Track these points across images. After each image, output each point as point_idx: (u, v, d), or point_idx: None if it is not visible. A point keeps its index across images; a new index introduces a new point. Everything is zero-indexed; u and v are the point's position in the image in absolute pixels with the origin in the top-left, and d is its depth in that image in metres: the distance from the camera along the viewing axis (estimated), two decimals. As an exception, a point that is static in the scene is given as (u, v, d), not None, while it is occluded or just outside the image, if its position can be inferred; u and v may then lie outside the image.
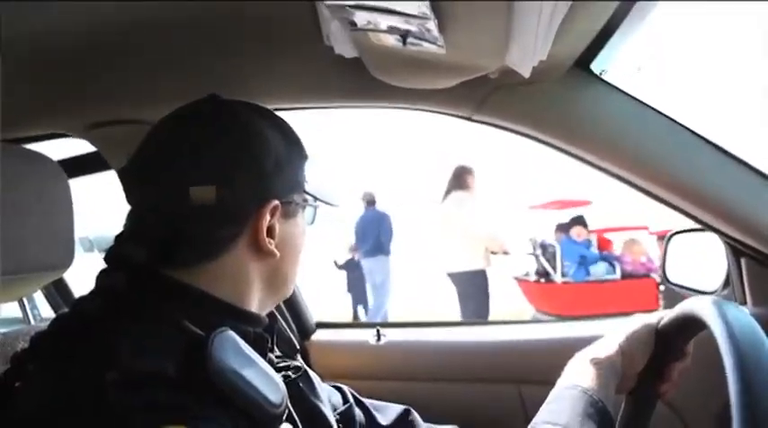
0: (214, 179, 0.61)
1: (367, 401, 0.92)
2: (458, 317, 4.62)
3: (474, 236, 4.33)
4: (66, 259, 0.85)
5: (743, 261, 1.16)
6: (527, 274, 6.68)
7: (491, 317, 4.38)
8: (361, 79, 0.97)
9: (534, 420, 0.73)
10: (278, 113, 0.73)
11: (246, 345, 0.58)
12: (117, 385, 0.50)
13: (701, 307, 0.68)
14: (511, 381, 1.34)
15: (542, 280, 6.45)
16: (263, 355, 0.64)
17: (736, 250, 1.16)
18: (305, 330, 1.53)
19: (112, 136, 1.21)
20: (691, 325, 0.74)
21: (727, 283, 1.25)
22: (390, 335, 1.45)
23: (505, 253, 4.62)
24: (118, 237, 0.64)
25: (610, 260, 6.43)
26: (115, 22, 0.88)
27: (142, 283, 0.62)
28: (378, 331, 1.45)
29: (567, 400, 0.73)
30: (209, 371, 0.52)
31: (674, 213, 1.09)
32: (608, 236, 7.10)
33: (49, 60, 1.01)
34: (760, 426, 0.52)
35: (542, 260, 6.56)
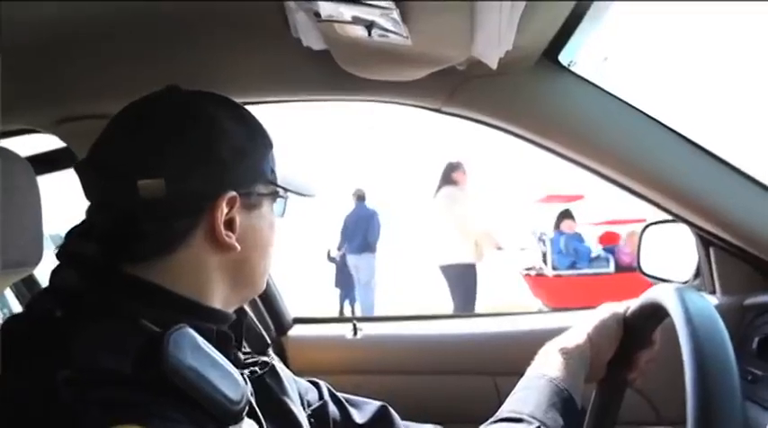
0: (163, 171, 0.59)
1: (344, 397, 0.90)
2: (449, 309, 4.67)
3: (465, 231, 4.41)
4: (35, 256, 0.84)
5: (711, 250, 1.18)
6: (530, 268, 6.71)
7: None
8: (329, 71, 0.96)
9: (501, 409, 0.74)
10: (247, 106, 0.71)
11: (205, 343, 0.57)
12: (69, 383, 0.49)
13: (663, 293, 0.69)
14: (487, 373, 1.35)
15: (533, 273, 6.50)
16: (227, 353, 0.62)
17: (705, 240, 1.17)
18: (282, 325, 1.52)
19: (82, 131, 1.19)
20: (655, 313, 0.75)
21: (698, 273, 1.27)
22: (367, 330, 1.45)
23: (499, 248, 4.68)
24: (69, 234, 0.63)
25: (605, 253, 6.49)
26: (84, 15, 0.87)
27: (96, 279, 0.61)
28: (354, 325, 1.45)
29: (532, 389, 0.74)
30: (164, 369, 0.51)
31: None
32: (611, 228, 7.15)
33: (16, 54, 0.99)
34: (713, 410, 0.53)
35: (539, 253, 6.62)
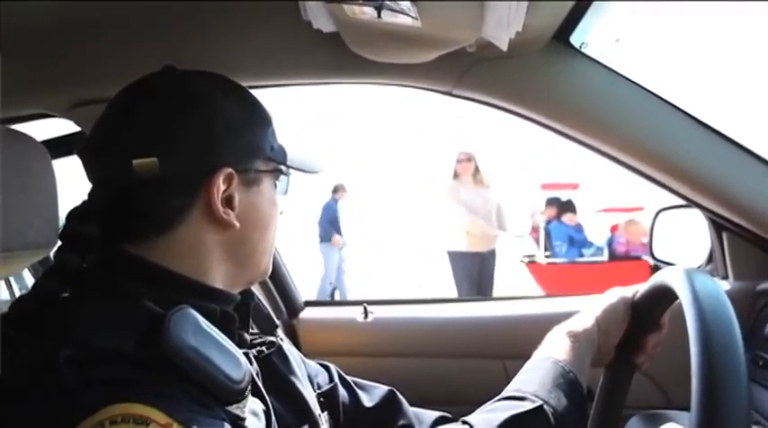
0: (156, 149, 0.59)
1: (353, 381, 0.90)
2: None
3: (473, 220, 4.47)
4: (51, 238, 0.85)
5: (724, 235, 1.16)
6: (529, 256, 6.72)
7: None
8: (340, 54, 0.96)
9: (506, 388, 0.74)
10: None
11: (207, 323, 0.57)
12: (71, 362, 0.50)
13: (672, 275, 0.69)
14: (496, 357, 1.35)
15: (526, 260, 6.51)
16: (231, 333, 0.62)
17: (718, 225, 1.16)
18: (293, 308, 1.54)
19: (96, 115, 1.19)
20: (664, 295, 0.75)
21: (710, 259, 1.26)
22: (378, 313, 1.47)
23: (497, 235, 4.71)
24: (69, 215, 0.63)
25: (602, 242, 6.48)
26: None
27: (99, 259, 0.62)
28: (365, 308, 1.46)
29: (538, 370, 0.74)
30: (165, 349, 0.52)
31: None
32: (609, 216, 7.14)
33: (32, 39, 1.00)
34: (717, 392, 0.52)
35: (533, 241, 6.64)
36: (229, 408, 0.55)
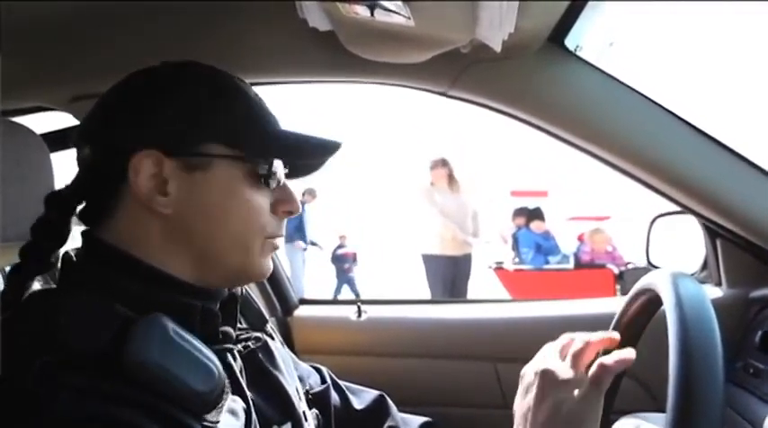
0: (90, 135, 0.63)
1: (344, 384, 0.91)
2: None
3: (446, 224, 4.54)
4: None
5: (718, 242, 1.16)
6: (498, 262, 6.79)
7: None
8: (336, 53, 0.97)
9: None
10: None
11: (177, 330, 0.55)
12: (42, 368, 0.50)
13: (657, 277, 0.69)
14: (488, 359, 1.35)
15: (494, 266, 6.57)
16: (213, 330, 0.62)
17: (712, 232, 1.16)
18: (287, 306, 1.54)
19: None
20: (649, 299, 0.75)
21: (705, 265, 1.26)
22: (371, 312, 1.47)
23: (468, 243, 4.74)
24: (46, 199, 0.65)
25: (569, 250, 6.53)
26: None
27: (81, 246, 0.63)
28: (359, 307, 1.46)
29: None
30: (129, 365, 0.51)
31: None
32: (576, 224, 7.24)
33: (32, 32, 1.01)
34: (694, 395, 0.52)
35: (502, 247, 6.72)
36: (205, 416, 0.54)
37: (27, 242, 0.62)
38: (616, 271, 5.91)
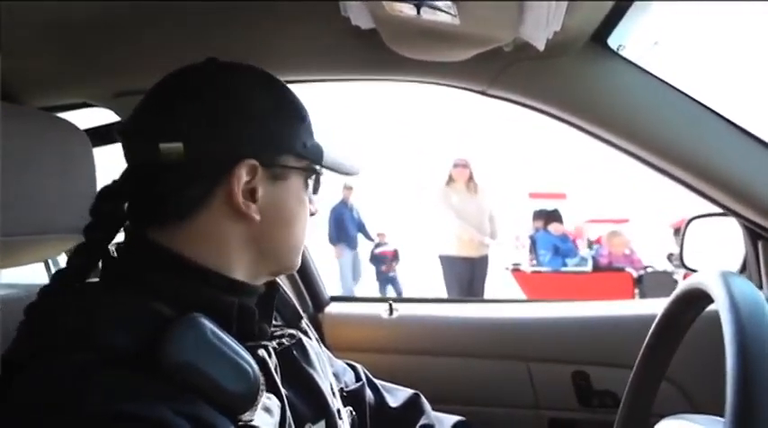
0: (183, 135, 0.60)
1: (379, 382, 0.92)
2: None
3: (463, 226, 4.57)
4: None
5: (760, 244, 1.14)
6: (516, 264, 6.76)
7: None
8: (376, 51, 0.97)
9: None
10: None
11: (215, 330, 0.56)
12: (81, 363, 0.50)
13: (707, 277, 0.68)
14: (520, 359, 1.35)
15: (511, 268, 6.54)
16: (250, 326, 0.63)
17: (754, 233, 1.14)
18: (318, 303, 1.55)
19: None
20: (697, 299, 0.74)
21: (744, 268, 1.24)
22: (403, 310, 1.47)
23: (485, 244, 4.72)
24: (100, 193, 0.65)
25: (587, 253, 6.48)
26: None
27: (126, 244, 0.64)
28: (390, 305, 1.47)
29: None
30: (165, 366, 0.52)
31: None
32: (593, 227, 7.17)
33: (76, 29, 1.04)
34: (754, 398, 0.51)
35: (519, 250, 6.68)
36: (239, 416, 0.55)
37: (87, 235, 0.63)
38: (635, 274, 5.86)
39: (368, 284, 7.26)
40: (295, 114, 0.68)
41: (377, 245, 7.27)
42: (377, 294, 6.97)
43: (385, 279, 7.18)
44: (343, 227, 6.72)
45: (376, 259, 7.21)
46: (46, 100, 1.28)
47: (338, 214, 6.70)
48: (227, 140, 0.62)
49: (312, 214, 0.72)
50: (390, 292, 7.02)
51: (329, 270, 6.81)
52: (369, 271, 7.32)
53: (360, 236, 7.04)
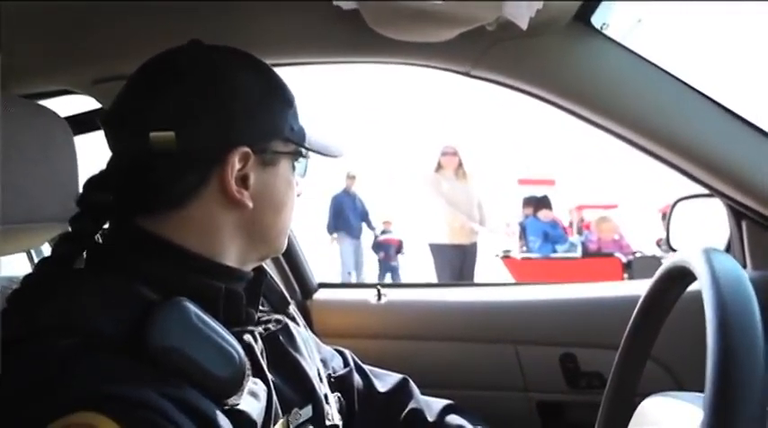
0: (175, 123, 0.59)
1: (367, 367, 0.92)
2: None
3: (453, 213, 4.56)
4: (72, 212, 0.87)
5: (743, 224, 1.15)
6: (506, 251, 6.80)
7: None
8: (359, 33, 0.96)
9: None
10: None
11: (199, 315, 0.56)
12: (64, 348, 0.50)
13: (690, 254, 0.67)
14: (509, 342, 1.35)
15: (502, 255, 6.58)
16: (237, 311, 0.63)
17: (737, 213, 1.15)
18: (307, 289, 1.55)
19: (118, 91, 1.22)
20: (681, 276, 0.74)
21: (728, 248, 1.24)
22: (391, 295, 1.47)
23: (475, 231, 4.75)
24: (87, 182, 0.64)
25: (576, 239, 6.58)
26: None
27: (113, 232, 0.63)
28: (378, 291, 1.46)
29: None
30: (150, 349, 0.52)
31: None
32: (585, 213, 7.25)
33: (54, 15, 1.02)
34: (733, 371, 0.51)
35: (509, 236, 6.73)
36: (225, 400, 0.55)
37: (74, 225, 0.62)
38: (624, 259, 5.92)
39: (370, 276, 7.22)
40: (283, 98, 0.67)
41: (382, 232, 7.24)
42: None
43: (386, 267, 7.13)
44: (343, 216, 6.65)
45: (378, 246, 7.16)
46: (26, 87, 1.26)
47: (338, 202, 6.64)
48: (219, 127, 0.61)
49: (298, 195, 0.72)
50: (388, 281, 6.96)
51: (330, 260, 6.81)
52: (372, 262, 7.27)
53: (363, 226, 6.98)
